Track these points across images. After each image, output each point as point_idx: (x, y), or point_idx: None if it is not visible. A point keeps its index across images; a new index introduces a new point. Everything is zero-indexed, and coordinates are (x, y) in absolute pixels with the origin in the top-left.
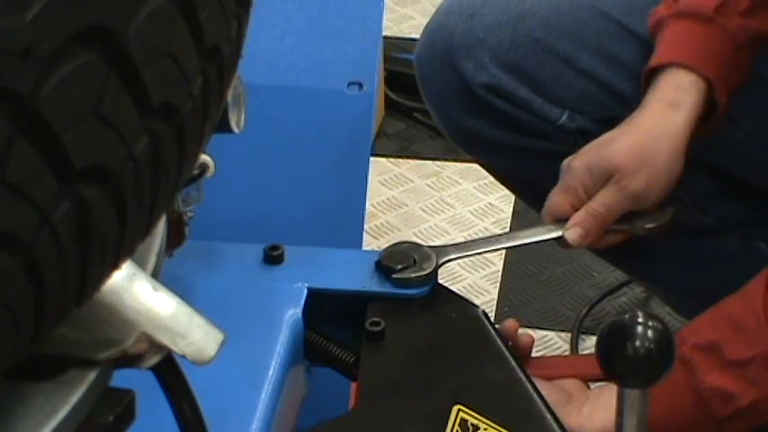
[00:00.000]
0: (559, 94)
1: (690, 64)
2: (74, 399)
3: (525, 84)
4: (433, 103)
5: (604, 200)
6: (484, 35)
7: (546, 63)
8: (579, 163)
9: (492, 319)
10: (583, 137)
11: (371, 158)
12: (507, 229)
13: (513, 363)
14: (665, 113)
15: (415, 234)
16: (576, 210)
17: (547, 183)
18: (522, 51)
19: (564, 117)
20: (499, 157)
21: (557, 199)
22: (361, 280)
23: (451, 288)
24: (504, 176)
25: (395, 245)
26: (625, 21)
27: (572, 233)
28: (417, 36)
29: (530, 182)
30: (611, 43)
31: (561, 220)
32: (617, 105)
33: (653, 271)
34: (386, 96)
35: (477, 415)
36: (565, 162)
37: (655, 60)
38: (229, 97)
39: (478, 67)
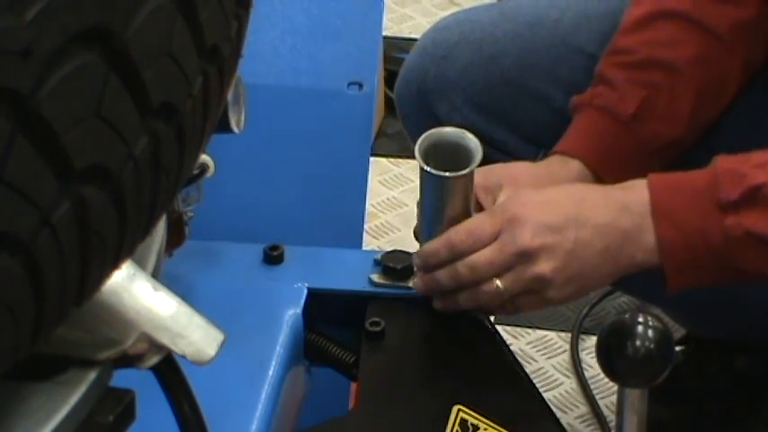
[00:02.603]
0: (534, 132)
1: (592, 164)
2: (74, 399)
3: (500, 124)
4: (413, 139)
5: None
6: (456, 78)
7: (520, 103)
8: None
9: (492, 319)
10: None
11: (371, 158)
12: None
13: (513, 363)
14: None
15: None
16: None
17: None
18: (495, 92)
19: (540, 155)
20: None
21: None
22: (362, 280)
23: None
24: None
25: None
26: (600, 56)
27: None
28: (417, 36)
29: None
30: (585, 79)
31: None
32: None
33: (651, 288)
34: (386, 96)
35: (477, 415)
36: None
37: (561, 145)
38: (229, 97)
39: (452, 110)
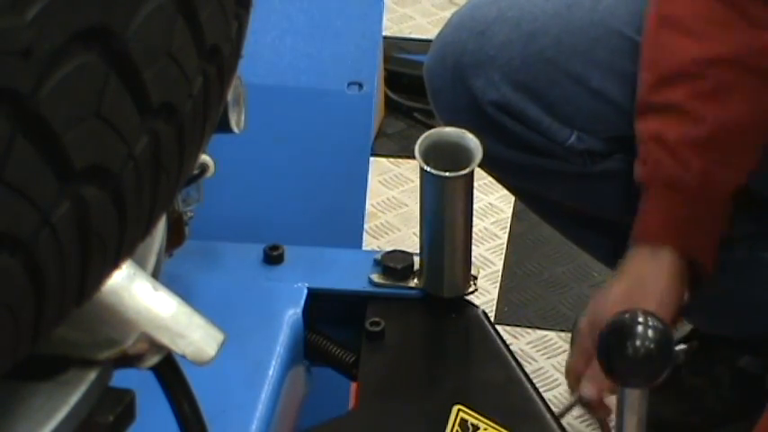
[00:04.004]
0: (569, 113)
1: (673, 246)
2: (74, 399)
3: (535, 103)
4: (443, 116)
5: None
6: (495, 53)
7: (557, 82)
8: (584, 323)
9: (492, 319)
10: (591, 157)
11: (371, 158)
12: (507, 230)
13: (513, 363)
14: (650, 256)
15: (415, 234)
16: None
17: (556, 198)
18: (532, 70)
19: (573, 138)
20: (508, 172)
21: (573, 361)
22: (362, 280)
23: None
24: (512, 189)
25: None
26: (638, 38)
27: (585, 389)
28: (417, 36)
29: (539, 195)
30: (623, 62)
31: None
32: (626, 125)
33: None
34: (386, 96)
35: (477, 415)
36: (576, 322)
37: (639, 233)
38: (229, 97)
39: (489, 85)
